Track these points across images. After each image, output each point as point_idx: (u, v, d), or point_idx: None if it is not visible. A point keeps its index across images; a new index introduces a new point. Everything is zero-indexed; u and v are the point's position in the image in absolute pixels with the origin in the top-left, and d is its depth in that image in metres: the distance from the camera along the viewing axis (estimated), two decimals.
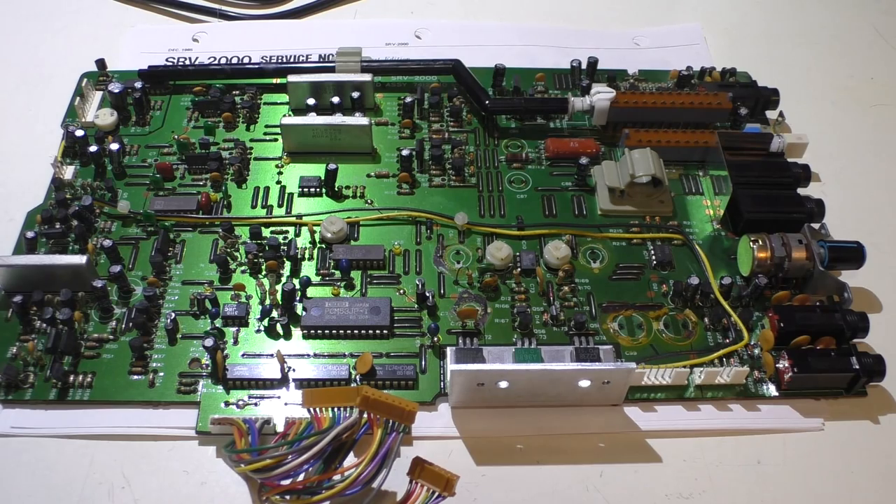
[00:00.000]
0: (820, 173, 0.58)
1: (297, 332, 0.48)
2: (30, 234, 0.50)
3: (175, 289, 0.50)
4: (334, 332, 0.48)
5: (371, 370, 0.46)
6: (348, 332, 0.48)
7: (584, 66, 0.62)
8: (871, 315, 0.48)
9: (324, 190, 0.55)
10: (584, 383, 0.44)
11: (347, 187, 0.56)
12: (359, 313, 0.48)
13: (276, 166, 0.57)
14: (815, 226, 0.52)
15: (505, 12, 0.71)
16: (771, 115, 0.61)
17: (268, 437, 0.43)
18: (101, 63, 0.62)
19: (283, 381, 0.46)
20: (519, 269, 0.51)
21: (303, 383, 0.46)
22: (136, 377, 0.46)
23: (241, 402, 0.45)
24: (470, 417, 0.45)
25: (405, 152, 0.56)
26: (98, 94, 0.61)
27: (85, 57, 0.63)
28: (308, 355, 0.47)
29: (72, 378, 0.45)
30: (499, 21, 0.70)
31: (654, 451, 0.45)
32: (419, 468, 0.40)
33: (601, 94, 0.58)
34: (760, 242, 0.50)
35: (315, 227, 0.52)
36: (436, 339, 0.48)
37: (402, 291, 0.50)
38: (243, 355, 0.47)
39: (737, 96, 0.59)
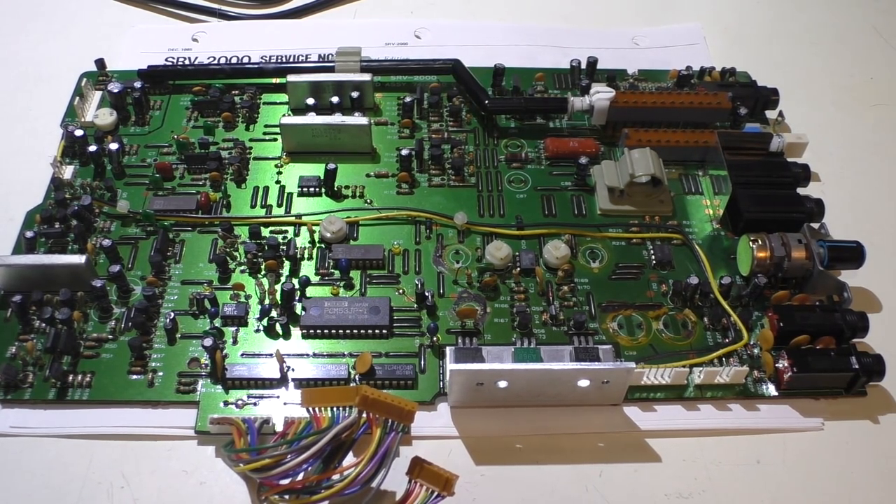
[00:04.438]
0: (819, 173, 0.58)
1: (296, 332, 0.48)
2: (29, 234, 0.50)
3: (174, 288, 0.50)
4: (333, 331, 0.48)
5: (370, 370, 0.46)
6: (347, 331, 0.48)
7: (583, 65, 0.62)
8: (870, 315, 0.48)
9: (323, 190, 0.55)
10: (584, 383, 0.44)
11: (347, 187, 0.56)
12: (358, 313, 0.48)
13: (276, 166, 0.57)
14: (815, 225, 0.52)
15: (505, 12, 0.71)
16: (770, 114, 0.61)
17: (267, 437, 0.43)
18: (100, 63, 0.62)
19: (282, 381, 0.46)
20: (518, 269, 0.51)
21: (302, 383, 0.46)
22: (135, 377, 0.46)
23: (240, 402, 0.45)
24: (469, 417, 0.45)
25: (404, 152, 0.56)
26: (97, 94, 0.61)
27: (85, 57, 0.63)
28: (307, 355, 0.47)
29: (71, 378, 0.45)
30: (499, 21, 0.70)
31: (653, 450, 0.45)
32: (418, 468, 0.40)
33: (601, 94, 0.58)
34: (760, 242, 0.50)
35: (314, 227, 0.52)
36: (435, 338, 0.48)
37: (401, 291, 0.50)
38: (242, 355, 0.47)
39: (736, 96, 0.59)
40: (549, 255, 0.51)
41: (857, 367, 0.46)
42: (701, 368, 0.46)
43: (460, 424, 0.45)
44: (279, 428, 0.43)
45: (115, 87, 0.59)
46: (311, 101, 0.59)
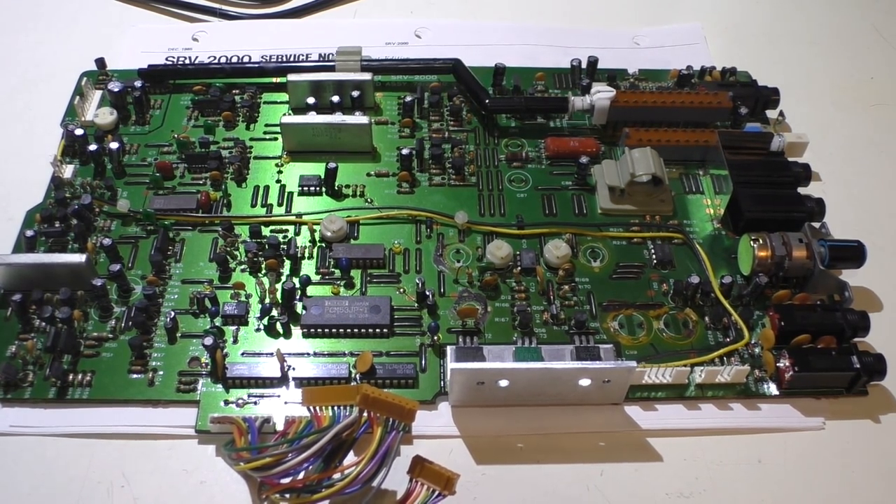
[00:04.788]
0: (820, 172, 0.58)
1: (296, 331, 0.48)
2: (29, 233, 0.50)
3: (175, 287, 0.50)
4: (334, 330, 0.48)
5: (371, 369, 0.46)
6: (348, 330, 0.48)
7: (584, 65, 0.62)
8: (871, 314, 0.48)
9: (324, 189, 0.55)
10: (585, 382, 0.44)
11: (347, 186, 0.55)
12: (359, 312, 0.48)
13: (276, 165, 0.57)
14: (816, 225, 0.52)
15: (505, 12, 0.71)
16: (771, 114, 0.61)
17: (267, 436, 0.43)
18: (100, 62, 0.62)
19: (282, 380, 0.46)
20: (519, 268, 0.51)
21: (302, 382, 0.46)
22: (135, 376, 0.46)
23: (240, 401, 0.45)
24: (470, 416, 0.45)
25: (405, 151, 0.56)
26: (98, 93, 0.61)
27: (85, 56, 0.63)
28: (308, 354, 0.47)
29: (71, 377, 0.45)
30: (499, 21, 0.70)
31: (654, 450, 0.45)
32: (419, 467, 0.40)
33: (601, 94, 0.58)
34: (761, 241, 0.50)
35: (315, 226, 0.52)
36: (436, 337, 0.47)
37: (402, 290, 0.50)
38: (243, 354, 0.47)
39: (737, 96, 0.59)
40: (549, 254, 0.51)
41: (858, 366, 0.46)
42: (702, 368, 0.46)
43: (461, 424, 0.45)
44: (280, 427, 0.43)
45: (115, 86, 0.59)
46: (311, 100, 0.59)
